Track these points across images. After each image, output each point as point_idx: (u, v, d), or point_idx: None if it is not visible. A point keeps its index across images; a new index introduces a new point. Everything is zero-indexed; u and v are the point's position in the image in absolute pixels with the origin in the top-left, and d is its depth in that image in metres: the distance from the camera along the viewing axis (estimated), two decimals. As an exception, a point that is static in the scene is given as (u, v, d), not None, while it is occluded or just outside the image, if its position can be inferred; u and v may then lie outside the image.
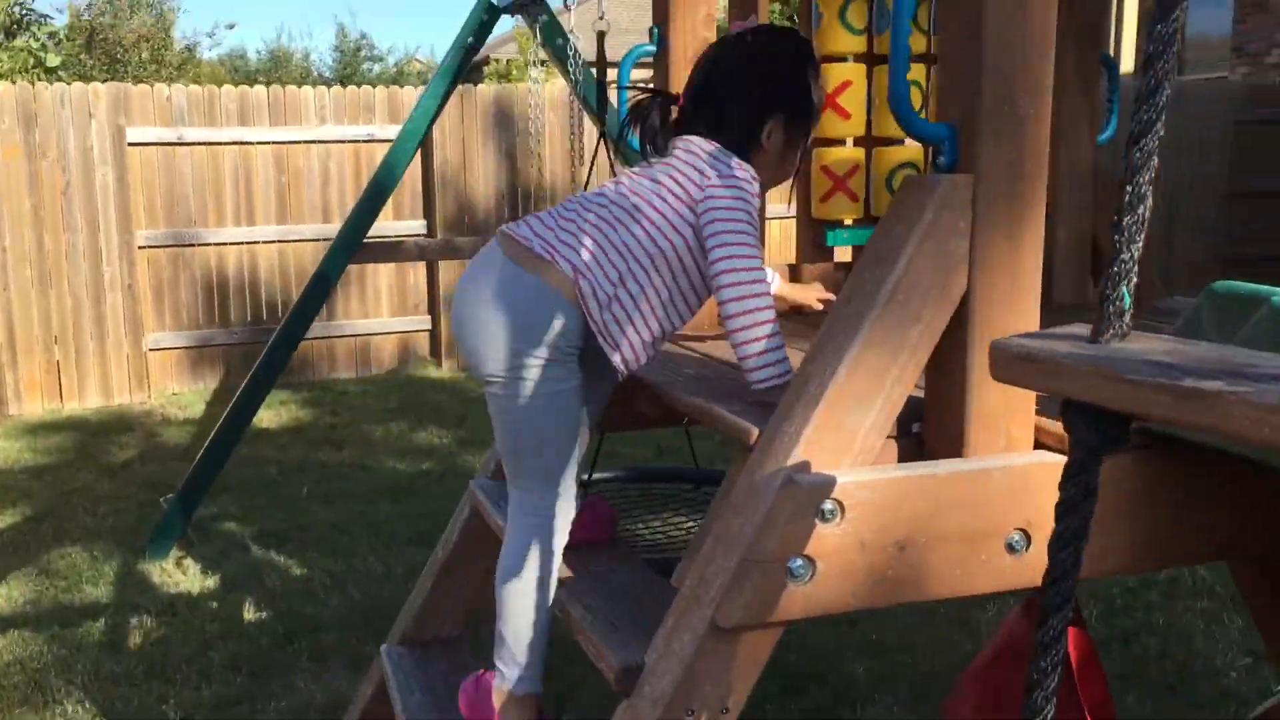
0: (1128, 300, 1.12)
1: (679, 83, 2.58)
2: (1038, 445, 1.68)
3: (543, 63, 5.30)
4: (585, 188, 2.38)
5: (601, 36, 3.95)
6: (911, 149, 2.69)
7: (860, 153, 2.67)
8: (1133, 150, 1.00)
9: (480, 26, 5.21)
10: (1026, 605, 1.69)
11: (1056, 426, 1.66)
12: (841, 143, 2.68)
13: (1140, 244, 1.11)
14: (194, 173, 7.92)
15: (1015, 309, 1.63)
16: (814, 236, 2.78)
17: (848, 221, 2.71)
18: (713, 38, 2.64)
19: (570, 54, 5.10)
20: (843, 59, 2.71)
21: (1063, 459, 1.07)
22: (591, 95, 4.66)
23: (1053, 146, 1.66)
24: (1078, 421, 1.02)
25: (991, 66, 1.56)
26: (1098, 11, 2.86)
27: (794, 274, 2.78)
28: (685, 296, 1.91)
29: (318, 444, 6.65)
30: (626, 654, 1.70)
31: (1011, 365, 1.09)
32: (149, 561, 4.71)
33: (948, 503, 1.55)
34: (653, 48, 2.65)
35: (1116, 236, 1.12)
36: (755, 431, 1.68)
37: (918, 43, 2.55)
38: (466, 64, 5.34)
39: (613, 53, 3.63)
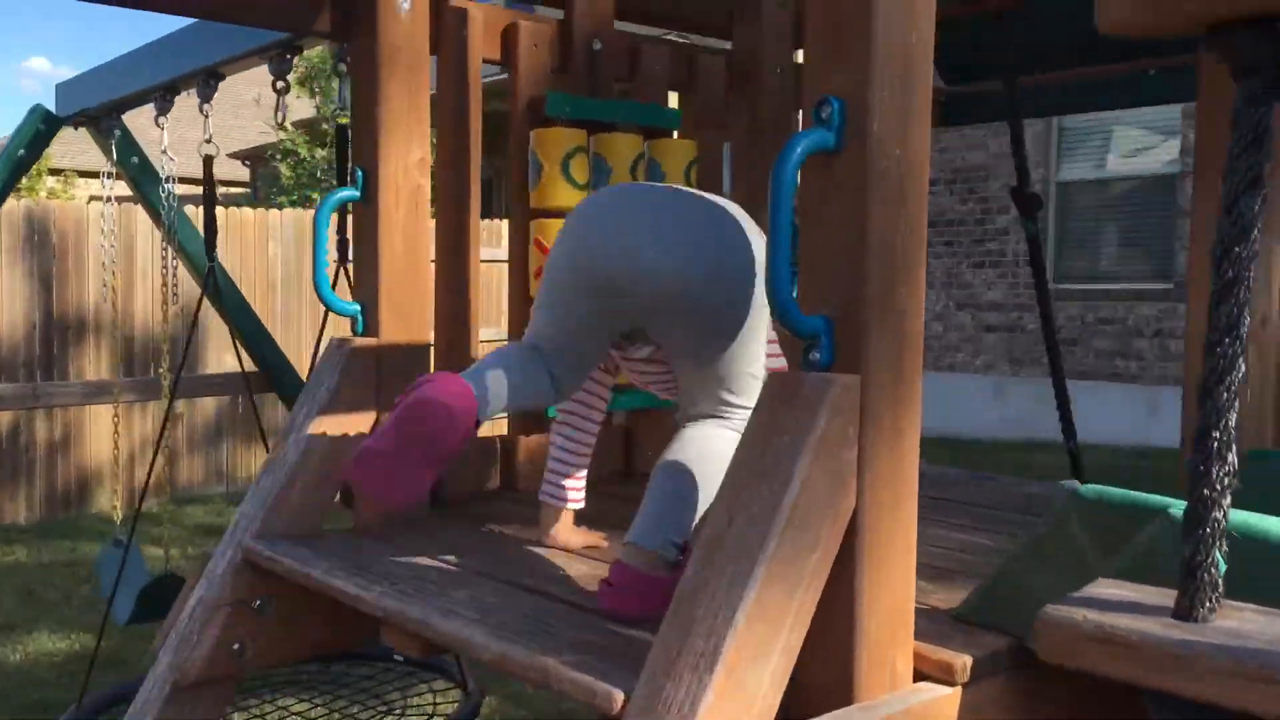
0: (1223, 566, 0.95)
1: (391, 231, 2.22)
2: (917, 675, 1.49)
3: (110, 175, 4.57)
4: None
5: (209, 161, 3.46)
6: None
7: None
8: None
9: (35, 137, 4.40)
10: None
11: (935, 652, 1.49)
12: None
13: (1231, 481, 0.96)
14: None
15: (900, 526, 1.44)
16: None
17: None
18: (427, 185, 2.30)
19: (155, 174, 4.43)
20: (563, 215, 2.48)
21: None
22: (182, 222, 4.06)
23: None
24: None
25: (875, 256, 1.39)
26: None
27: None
28: None
29: None
30: None
31: (1078, 646, 0.88)
32: None
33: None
34: (354, 192, 2.25)
35: (1201, 488, 0.96)
36: (620, 697, 1.34)
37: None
38: (16, 179, 4.48)
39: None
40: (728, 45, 2.87)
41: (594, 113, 2.53)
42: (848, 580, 1.40)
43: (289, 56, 2.71)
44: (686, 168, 2.66)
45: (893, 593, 1.42)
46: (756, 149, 2.79)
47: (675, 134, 2.68)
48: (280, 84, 2.78)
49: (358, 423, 2.18)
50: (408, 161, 2.26)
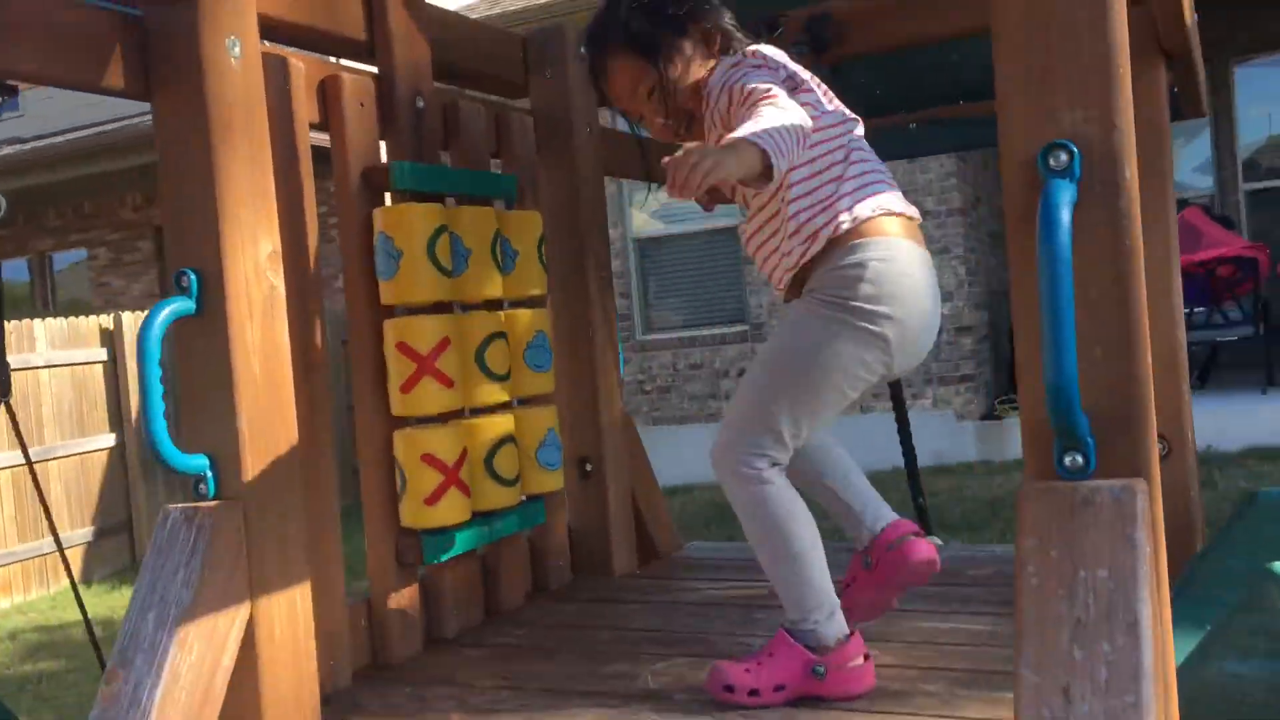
0: None
1: (246, 353, 1.66)
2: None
3: None
4: None
5: None
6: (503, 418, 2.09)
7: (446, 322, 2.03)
8: None
9: None
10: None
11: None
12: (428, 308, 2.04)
13: None
14: None
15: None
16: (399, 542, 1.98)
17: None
18: (282, 286, 1.74)
19: None
20: (429, 309, 2.02)
21: None
22: None
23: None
24: None
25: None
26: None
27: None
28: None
29: None
30: None
31: None
32: None
33: None
34: (187, 302, 1.63)
35: None
36: None
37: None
38: None
39: None
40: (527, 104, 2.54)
41: (447, 184, 2.09)
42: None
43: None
44: (539, 244, 2.30)
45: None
46: (571, 216, 2.48)
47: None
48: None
49: (226, 629, 1.56)
50: (257, 257, 1.69)
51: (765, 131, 1.49)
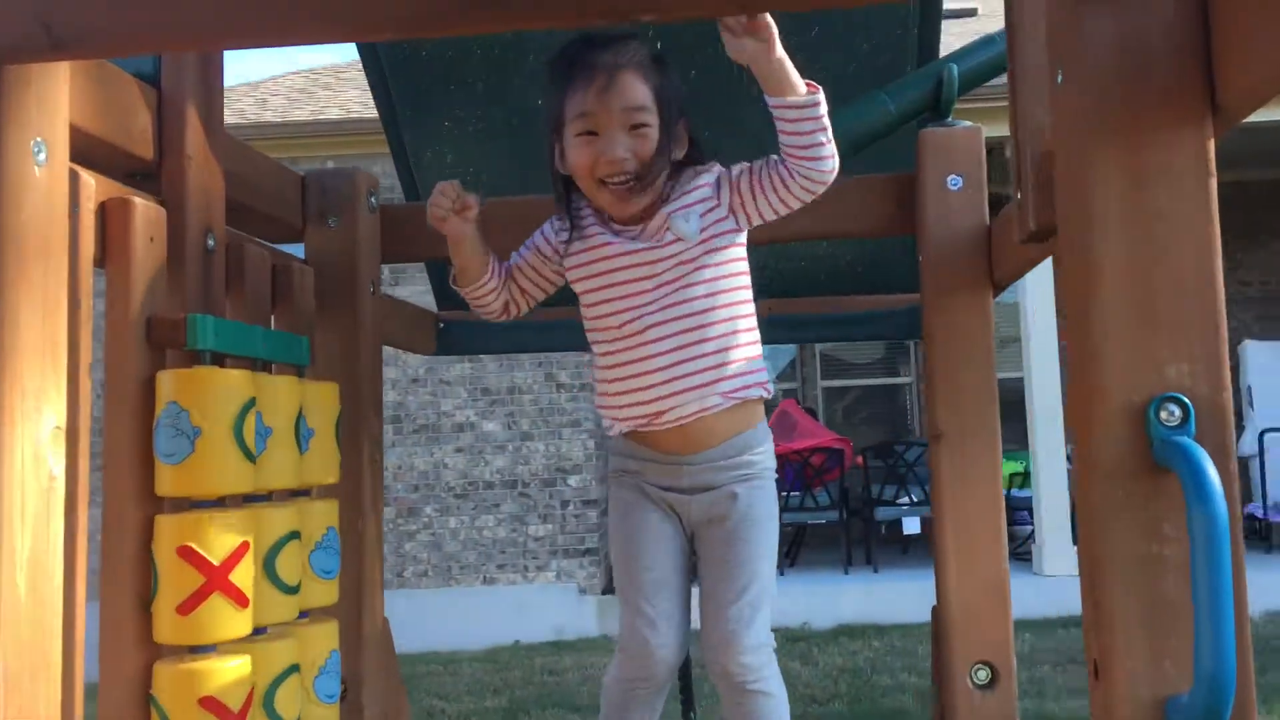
0: None
1: (9, 561, 1.19)
2: None
3: None
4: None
5: None
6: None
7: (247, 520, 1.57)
8: None
9: None
10: None
11: None
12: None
13: None
14: None
15: None
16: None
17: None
18: (63, 478, 1.27)
19: None
20: (222, 503, 1.59)
21: None
22: None
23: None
24: None
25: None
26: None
27: None
28: None
29: None
30: None
31: None
32: None
33: None
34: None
35: None
36: None
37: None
38: None
39: None
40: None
41: (253, 346, 1.67)
42: None
43: None
44: (336, 422, 1.91)
45: None
46: (351, 389, 2.12)
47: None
48: None
49: None
50: (38, 435, 1.21)
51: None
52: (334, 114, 9.15)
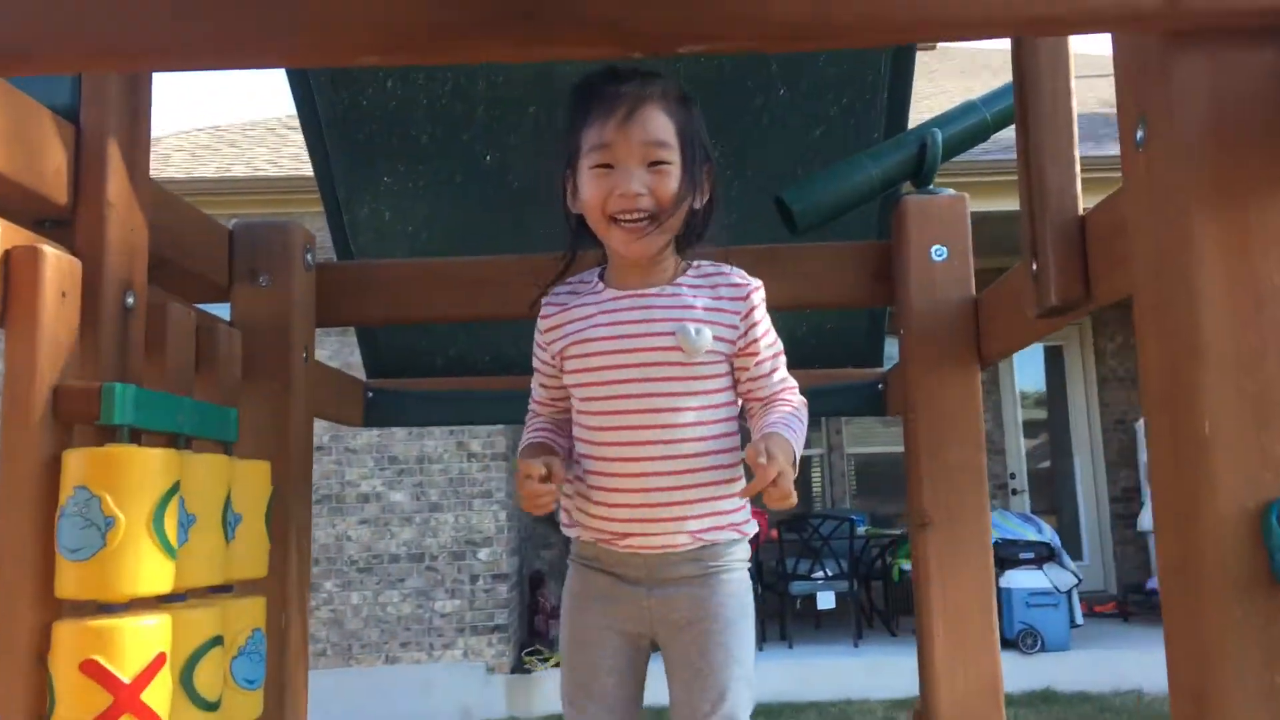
0: None
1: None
2: None
3: None
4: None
5: None
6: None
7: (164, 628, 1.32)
8: None
9: None
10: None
11: None
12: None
13: None
14: None
15: None
16: None
17: None
18: None
19: None
20: (134, 606, 1.35)
21: None
22: None
23: None
24: None
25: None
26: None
27: None
28: None
29: None
30: None
31: None
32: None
33: None
34: None
35: None
36: None
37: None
38: None
39: None
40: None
41: (177, 420, 1.44)
42: None
43: None
44: (267, 506, 1.68)
45: None
46: (281, 466, 1.88)
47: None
48: None
49: None
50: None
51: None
52: (240, 171, 8.83)
